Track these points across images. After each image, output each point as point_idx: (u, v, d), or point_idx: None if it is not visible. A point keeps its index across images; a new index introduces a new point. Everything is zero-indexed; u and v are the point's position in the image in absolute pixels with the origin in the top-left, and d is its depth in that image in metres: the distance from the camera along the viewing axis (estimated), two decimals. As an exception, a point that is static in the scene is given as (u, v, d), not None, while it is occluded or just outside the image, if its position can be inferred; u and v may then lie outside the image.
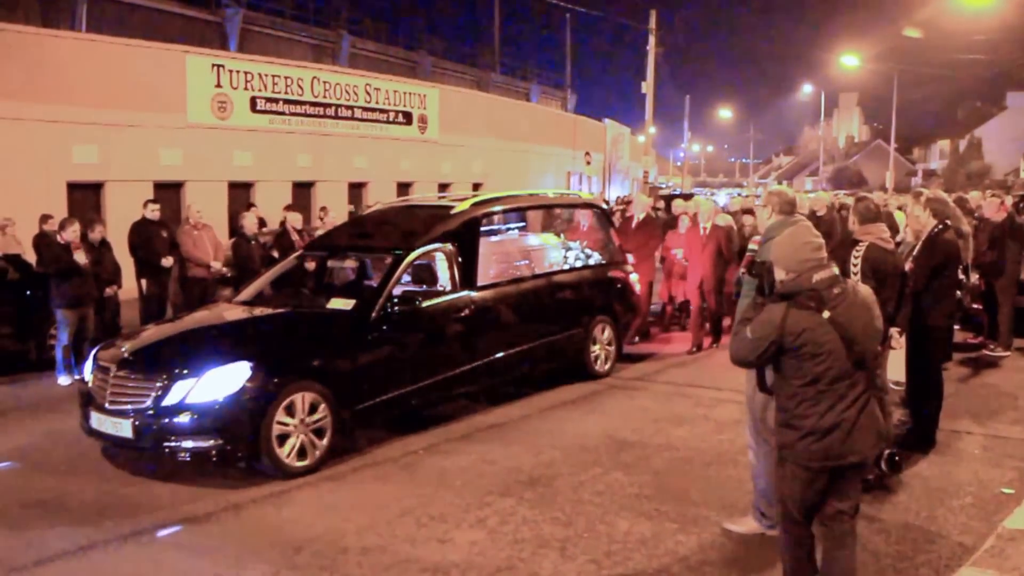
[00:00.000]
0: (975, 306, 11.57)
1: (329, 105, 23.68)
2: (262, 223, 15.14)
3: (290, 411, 7.12)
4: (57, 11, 26.79)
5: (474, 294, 8.92)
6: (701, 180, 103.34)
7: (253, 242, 12.51)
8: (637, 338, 12.62)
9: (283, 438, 7.06)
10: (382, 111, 25.58)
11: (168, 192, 18.86)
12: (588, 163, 37.06)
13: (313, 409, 7.28)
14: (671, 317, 13.92)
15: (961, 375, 10.31)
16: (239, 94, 21.20)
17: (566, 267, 10.78)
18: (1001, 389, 9.79)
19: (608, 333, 10.69)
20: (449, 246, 8.93)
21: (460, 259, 8.94)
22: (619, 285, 11.23)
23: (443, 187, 27.47)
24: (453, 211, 9.38)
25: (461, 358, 8.70)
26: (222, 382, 6.96)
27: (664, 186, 60.96)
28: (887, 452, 4.49)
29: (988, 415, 8.67)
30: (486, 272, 9.45)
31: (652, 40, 35.57)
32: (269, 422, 6.96)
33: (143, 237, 12.53)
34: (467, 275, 8.95)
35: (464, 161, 29.15)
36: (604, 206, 12.15)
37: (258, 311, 8.54)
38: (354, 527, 6.09)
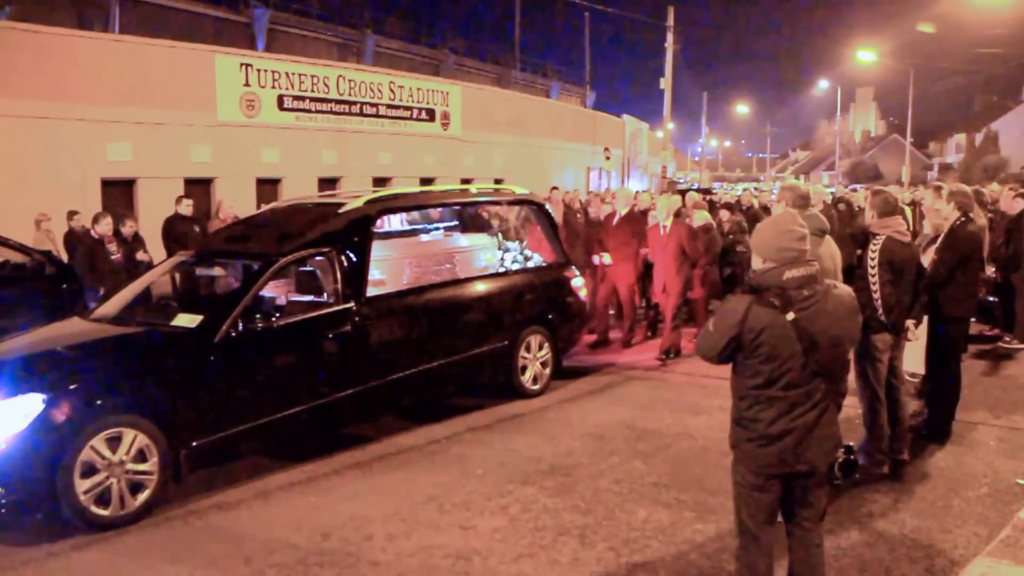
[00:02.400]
0: (991, 298, 11.59)
1: (354, 103, 23.84)
2: None
3: (100, 452, 6.04)
4: (91, 13, 27.18)
5: (359, 306, 7.72)
6: (718, 175, 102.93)
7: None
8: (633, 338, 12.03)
9: (91, 483, 6.00)
10: (406, 108, 25.71)
11: (198, 188, 19.11)
12: (607, 158, 37.06)
13: (132, 448, 6.20)
14: (651, 322, 12.79)
15: (977, 367, 10.31)
16: (267, 92, 21.41)
17: (497, 271, 9.72)
18: (1017, 381, 9.82)
19: (542, 346, 9.55)
20: (331, 250, 7.74)
21: (345, 265, 7.74)
22: (558, 291, 10.02)
23: (465, 182, 27.56)
24: (341, 210, 8.19)
25: (335, 383, 7.49)
26: (4, 419, 5.83)
27: (682, 181, 60.82)
28: (842, 458, 4.30)
29: (1004, 407, 8.69)
30: (396, 277, 8.70)
31: (670, 37, 35.57)
32: (69, 467, 5.88)
33: (176, 232, 12.77)
34: (353, 284, 7.76)
35: (486, 157, 29.25)
36: (541, 202, 10.88)
37: (94, 329, 7.23)
38: (379, 514, 6.22)
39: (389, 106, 25.03)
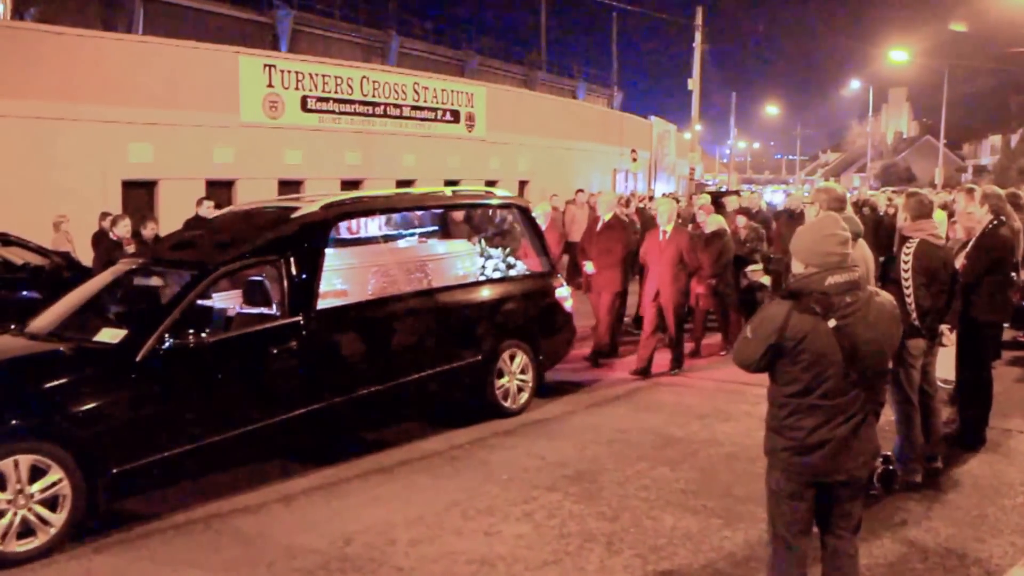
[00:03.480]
0: (1024, 304, 11.39)
1: (378, 104, 23.89)
2: None
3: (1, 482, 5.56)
4: (115, 14, 27.37)
5: (309, 319, 7.10)
6: (747, 177, 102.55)
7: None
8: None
9: None
10: (430, 109, 25.74)
11: (220, 190, 19.17)
12: (634, 160, 36.98)
13: (40, 477, 5.67)
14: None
15: (1011, 374, 10.13)
16: (290, 94, 21.48)
17: (475, 280, 8.96)
18: (1053, 388, 9.62)
19: (522, 361, 8.86)
20: (279, 259, 7.12)
21: (294, 275, 7.12)
22: (540, 302, 9.34)
23: (490, 184, 27.53)
24: (294, 215, 7.55)
25: (278, 404, 6.86)
26: None
27: (710, 183, 60.60)
28: (881, 469, 4.23)
29: (1040, 414, 8.53)
30: (361, 287, 7.98)
31: (698, 37, 35.50)
32: None
33: (197, 234, 12.75)
34: (302, 295, 7.13)
35: (511, 159, 29.24)
36: (525, 205, 10.08)
37: (14, 346, 6.69)
38: (402, 519, 6.16)
39: (413, 107, 25.07)
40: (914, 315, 6.29)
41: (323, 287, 7.45)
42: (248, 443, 6.74)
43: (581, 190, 21.71)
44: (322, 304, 7.34)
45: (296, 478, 7.05)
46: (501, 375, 8.70)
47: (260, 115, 20.81)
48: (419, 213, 9.60)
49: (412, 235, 9.44)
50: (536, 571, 5.36)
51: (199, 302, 7.23)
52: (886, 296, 4.13)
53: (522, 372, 8.91)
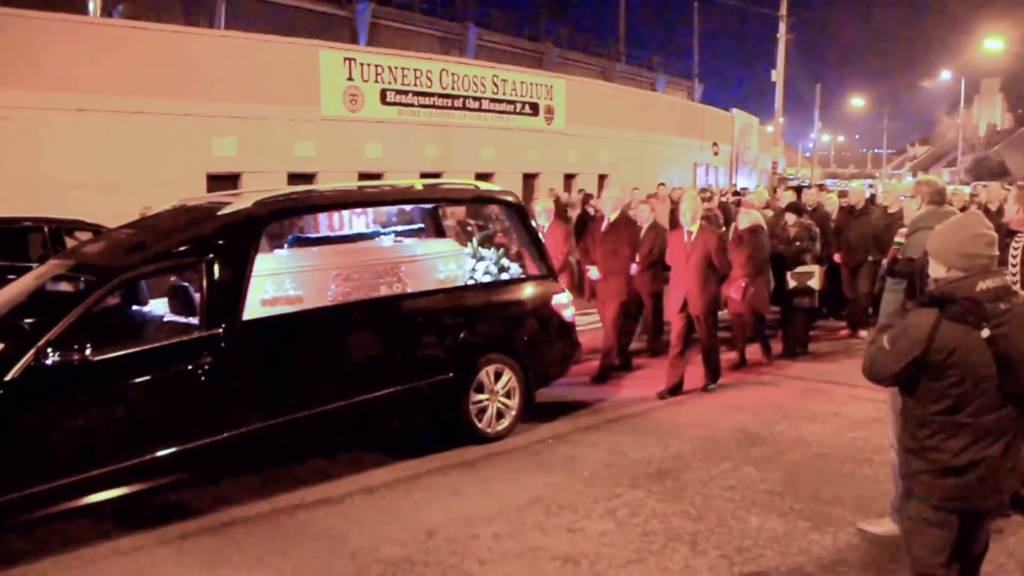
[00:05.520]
0: None
1: (457, 96, 23.96)
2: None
3: None
4: (198, 10, 27.92)
5: (231, 331, 6.22)
6: (831, 171, 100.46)
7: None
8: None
9: None
10: (509, 102, 25.72)
11: (301, 183, 19.41)
12: (715, 154, 36.50)
13: None
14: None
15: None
16: (370, 87, 21.67)
17: (454, 286, 7.98)
18: None
19: (507, 379, 7.82)
20: (198, 262, 6.26)
21: (216, 280, 6.25)
22: (531, 310, 8.31)
23: (569, 178, 27.47)
24: (221, 211, 6.65)
25: (184, 431, 5.96)
26: None
27: (792, 177, 59.49)
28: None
29: None
30: (319, 293, 7.09)
31: (782, 27, 34.81)
32: None
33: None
34: (223, 303, 6.24)
35: (590, 152, 29.08)
36: (515, 200, 8.81)
37: None
38: (484, 513, 6.14)
39: (492, 100, 25.08)
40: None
41: (272, 293, 6.81)
42: (137, 474, 5.82)
43: (663, 183, 21.46)
44: (262, 313, 6.61)
45: (378, 470, 7.08)
46: (480, 393, 7.71)
47: (340, 108, 21.03)
48: (399, 208, 8.67)
49: (389, 234, 8.37)
50: (620, 569, 5.30)
51: (136, 309, 6.92)
52: None
53: (505, 392, 7.87)
